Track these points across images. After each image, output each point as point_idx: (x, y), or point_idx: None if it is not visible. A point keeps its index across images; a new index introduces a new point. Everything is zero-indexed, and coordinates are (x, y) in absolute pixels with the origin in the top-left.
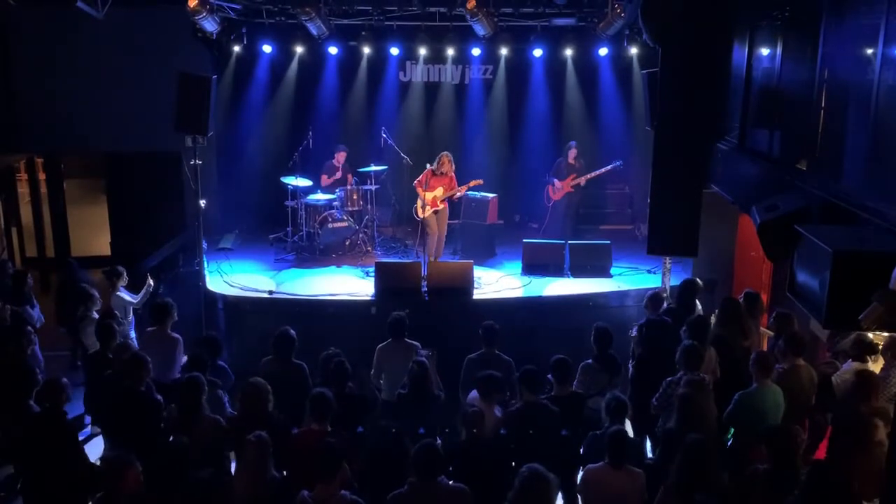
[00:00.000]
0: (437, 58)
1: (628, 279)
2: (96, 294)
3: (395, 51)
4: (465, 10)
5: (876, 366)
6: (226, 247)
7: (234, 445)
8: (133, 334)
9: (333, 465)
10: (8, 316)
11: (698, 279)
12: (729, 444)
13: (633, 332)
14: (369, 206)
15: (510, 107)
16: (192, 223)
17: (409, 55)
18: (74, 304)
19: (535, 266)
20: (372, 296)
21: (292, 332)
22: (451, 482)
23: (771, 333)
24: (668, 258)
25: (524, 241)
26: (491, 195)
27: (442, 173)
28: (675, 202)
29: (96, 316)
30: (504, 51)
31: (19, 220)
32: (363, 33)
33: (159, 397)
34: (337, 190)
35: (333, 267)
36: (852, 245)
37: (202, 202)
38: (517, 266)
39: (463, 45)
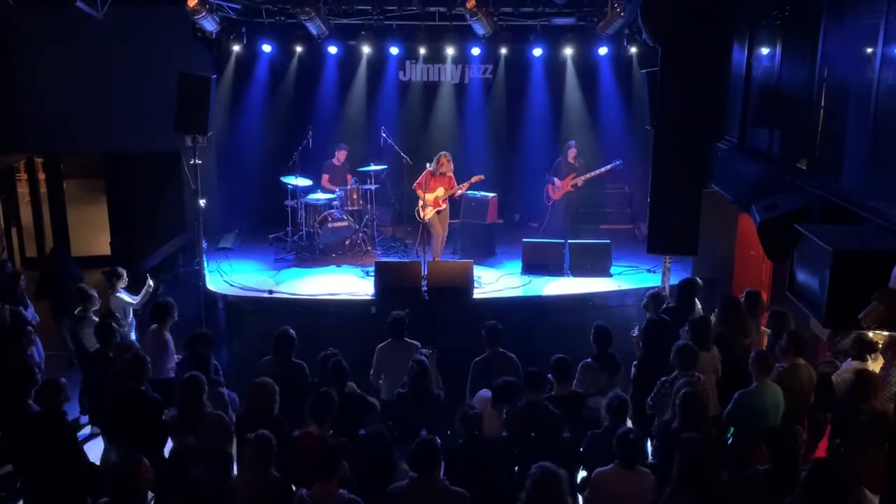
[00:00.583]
0: (436, 57)
1: (628, 278)
2: (95, 294)
3: (394, 50)
4: (465, 9)
5: (876, 365)
6: (226, 246)
7: (238, 444)
8: (133, 336)
9: (331, 465)
10: (8, 316)
11: (698, 278)
12: (729, 443)
13: (636, 333)
14: (369, 206)
15: (510, 106)
16: (191, 223)
17: (408, 54)
18: (66, 297)
19: (535, 265)
20: (372, 295)
21: (292, 331)
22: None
23: (770, 332)
24: (667, 257)
25: (524, 240)
26: (491, 194)
27: (441, 173)
28: (675, 201)
29: (94, 317)
30: (504, 50)
31: (19, 220)
32: (363, 33)
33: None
34: (337, 190)
35: (333, 266)
36: (852, 244)
37: (202, 202)
38: (517, 265)
39: (463, 44)
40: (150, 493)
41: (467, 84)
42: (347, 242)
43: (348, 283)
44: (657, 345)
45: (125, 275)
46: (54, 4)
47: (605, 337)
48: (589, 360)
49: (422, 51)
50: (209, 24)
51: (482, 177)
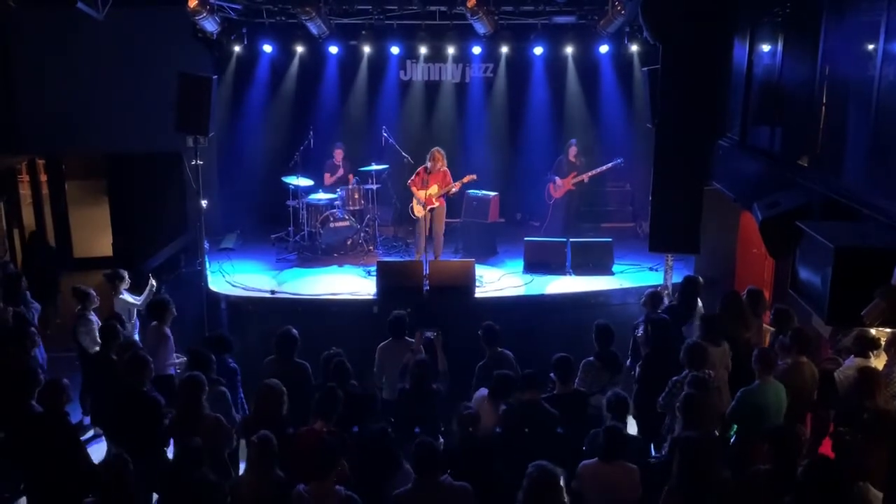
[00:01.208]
0: (437, 56)
1: (630, 277)
2: (93, 293)
3: (395, 50)
4: (466, 8)
5: (878, 362)
6: (227, 247)
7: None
8: (137, 337)
9: (329, 462)
10: (10, 317)
11: (699, 276)
12: (732, 440)
13: (640, 332)
14: (371, 206)
15: (511, 105)
16: (193, 223)
17: (409, 54)
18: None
19: (537, 264)
20: (374, 295)
21: (294, 331)
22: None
23: (773, 330)
24: (670, 255)
25: (525, 239)
26: (492, 193)
27: (436, 169)
28: (677, 200)
29: (93, 316)
30: (504, 49)
31: (21, 221)
32: (363, 32)
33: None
34: (338, 189)
35: (335, 266)
36: (854, 241)
37: (203, 202)
38: (519, 264)
39: (463, 43)
40: (154, 494)
41: (468, 83)
42: (349, 242)
43: (350, 283)
44: (659, 343)
45: (127, 276)
46: (55, 5)
47: (607, 335)
48: (591, 358)
49: (422, 50)
50: (210, 25)
51: (475, 177)
